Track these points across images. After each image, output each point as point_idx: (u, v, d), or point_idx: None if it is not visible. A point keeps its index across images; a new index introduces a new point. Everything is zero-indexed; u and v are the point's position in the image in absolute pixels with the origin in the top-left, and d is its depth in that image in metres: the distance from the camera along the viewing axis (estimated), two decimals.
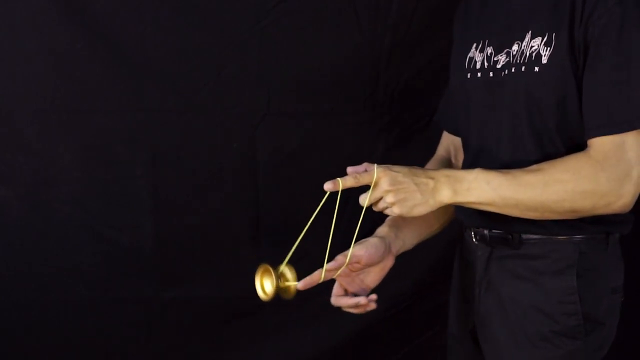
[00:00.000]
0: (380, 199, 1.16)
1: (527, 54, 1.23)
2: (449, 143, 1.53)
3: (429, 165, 1.51)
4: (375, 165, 1.15)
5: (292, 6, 1.76)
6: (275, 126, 1.82)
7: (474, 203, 1.19)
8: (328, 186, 1.13)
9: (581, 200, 1.16)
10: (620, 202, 1.16)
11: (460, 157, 1.51)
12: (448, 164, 1.51)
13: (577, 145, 1.21)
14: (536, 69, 1.21)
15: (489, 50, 1.31)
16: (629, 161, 1.14)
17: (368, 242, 1.28)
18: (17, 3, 1.66)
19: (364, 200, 1.15)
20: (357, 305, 1.28)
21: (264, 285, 1.19)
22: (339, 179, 1.13)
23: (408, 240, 1.36)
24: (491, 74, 1.30)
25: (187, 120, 1.78)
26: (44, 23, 1.67)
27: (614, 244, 1.29)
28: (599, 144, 1.16)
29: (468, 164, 1.38)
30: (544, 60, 1.20)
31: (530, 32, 1.23)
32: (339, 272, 1.24)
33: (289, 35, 1.78)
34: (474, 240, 1.37)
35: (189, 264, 1.86)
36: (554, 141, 1.23)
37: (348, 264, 1.24)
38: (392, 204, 1.15)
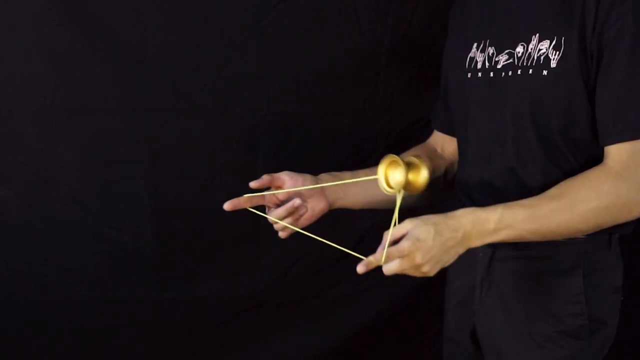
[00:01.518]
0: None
1: (535, 57, 1.22)
2: (439, 141, 1.54)
3: (416, 150, 1.51)
4: (403, 239, 1.09)
5: (292, 6, 1.76)
6: (275, 126, 1.82)
7: (503, 241, 1.17)
8: (361, 269, 1.09)
9: (606, 215, 1.15)
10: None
11: (448, 150, 1.51)
12: (433, 152, 1.51)
13: (582, 150, 1.21)
14: (544, 72, 1.20)
15: (491, 50, 1.31)
16: None
17: (298, 173, 1.27)
18: (17, 3, 1.66)
19: (390, 270, 1.10)
20: (292, 209, 1.24)
21: (389, 178, 1.09)
22: (371, 258, 1.08)
23: (351, 195, 1.34)
24: (491, 74, 1.30)
25: (187, 120, 1.78)
26: (44, 23, 1.67)
27: (615, 244, 1.29)
28: (616, 153, 1.15)
29: (465, 164, 1.39)
30: (553, 64, 1.19)
31: (538, 34, 1.22)
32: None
33: (289, 35, 1.78)
34: None
35: (189, 264, 1.86)
36: (557, 145, 1.22)
37: (273, 187, 1.25)
38: (427, 272, 1.13)
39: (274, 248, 1.88)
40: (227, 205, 1.25)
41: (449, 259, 1.14)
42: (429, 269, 1.12)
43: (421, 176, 1.09)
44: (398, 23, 1.81)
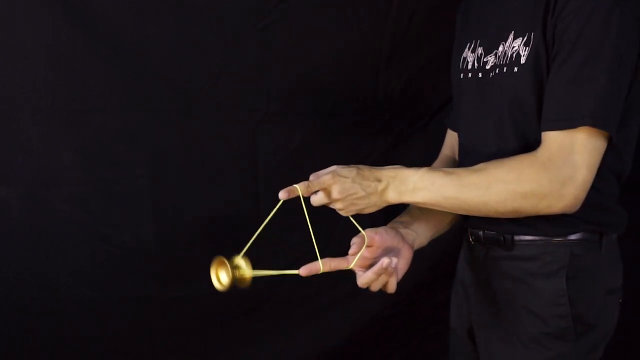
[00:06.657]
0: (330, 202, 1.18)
1: (509, 55, 1.23)
2: (453, 141, 1.54)
3: (434, 165, 1.51)
4: (325, 171, 1.16)
5: (292, 6, 1.76)
6: (275, 126, 1.82)
7: (419, 203, 1.20)
8: (283, 195, 1.14)
9: (522, 200, 1.15)
10: (561, 204, 1.15)
11: None
12: (452, 163, 1.51)
13: None
14: (516, 69, 1.21)
15: (480, 50, 1.33)
16: (575, 164, 1.13)
17: (377, 228, 1.26)
18: (17, 3, 1.66)
19: (315, 202, 1.18)
20: (384, 270, 1.18)
21: (220, 276, 1.26)
22: (295, 185, 1.14)
23: (422, 233, 1.34)
24: (480, 75, 1.31)
25: (187, 120, 1.78)
26: (44, 23, 1.67)
27: (609, 245, 1.28)
28: (549, 143, 1.15)
29: (459, 162, 1.41)
30: (523, 60, 1.20)
31: (513, 32, 1.24)
32: (357, 257, 1.22)
33: (289, 35, 1.78)
34: (471, 240, 1.38)
35: (189, 263, 1.85)
36: (538, 141, 1.22)
37: (363, 247, 1.21)
38: (341, 209, 1.18)
39: (274, 248, 1.88)
40: (303, 271, 1.31)
41: (365, 205, 1.18)
42: (343, 207, 1.17)
43: (246, 275, 1.26)
44: (398, 23, 1.82)
